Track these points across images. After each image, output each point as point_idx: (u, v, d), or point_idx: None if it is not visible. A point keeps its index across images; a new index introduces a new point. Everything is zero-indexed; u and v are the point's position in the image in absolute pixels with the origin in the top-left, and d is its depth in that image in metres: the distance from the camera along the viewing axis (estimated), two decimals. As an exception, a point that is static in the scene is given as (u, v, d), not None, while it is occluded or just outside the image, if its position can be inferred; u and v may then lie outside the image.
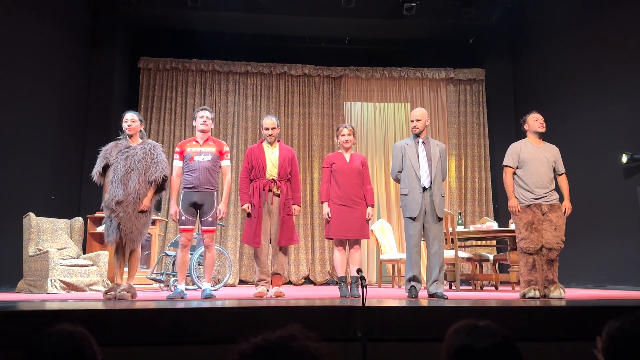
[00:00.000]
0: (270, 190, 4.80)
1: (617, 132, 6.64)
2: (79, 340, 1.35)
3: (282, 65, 9.11)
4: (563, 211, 4.52)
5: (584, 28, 7.33)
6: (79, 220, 6.30)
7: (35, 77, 6.83)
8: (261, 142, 5.01)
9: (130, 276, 4.51)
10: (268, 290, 4.78)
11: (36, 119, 6.86)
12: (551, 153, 4.65)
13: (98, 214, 6.49)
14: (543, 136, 4.73)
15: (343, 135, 5.06)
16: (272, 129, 4.95)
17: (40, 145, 6.98)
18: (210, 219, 4.65)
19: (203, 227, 4.69)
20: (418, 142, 4.83)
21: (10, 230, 6.08)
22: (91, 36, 8.16)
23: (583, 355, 2.09)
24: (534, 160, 4.58)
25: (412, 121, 4.87)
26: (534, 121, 4.69)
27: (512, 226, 6.22)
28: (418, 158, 4.75)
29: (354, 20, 8.60)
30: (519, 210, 4.52)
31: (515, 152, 4.67)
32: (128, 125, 4.60)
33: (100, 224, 6.42)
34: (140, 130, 4.68)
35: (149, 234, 6.74)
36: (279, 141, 5.04)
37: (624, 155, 6.38)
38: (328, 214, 4.90)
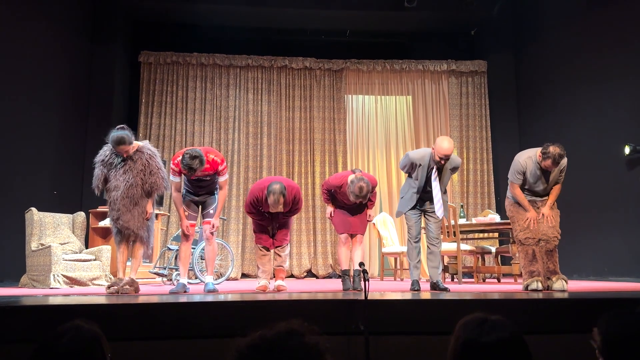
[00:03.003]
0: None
1: (619, 124, 6.61)
2: (91, 339, 1.35)
3: (283, 58, 9.08)
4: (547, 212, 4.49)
5: (586, 19, 7.28)
6: (81, 215, 6.30)
7: (36, 72, 6.82)
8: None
9: (133, 270, 4.52)
10: (270, 284, 4.78)
11: (37, 113, 6.85)
12: (557, 170, 4.51)
13: (100, 209, 6.50)
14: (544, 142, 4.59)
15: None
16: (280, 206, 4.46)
17: (42, 140, 6.98)
18: (211, 212, 4.66)
19: (204, 220, 4.71)
20: (432, 167, 4.65)
21: (13, 226, 6.09)
22: (92, 30, 8.14)
23: (586, 347, 2.09)
24: (538, 179, 4.54)
25: (440, 157, 4.51)
26: (546, 162, 4.37)
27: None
28: (425, 179, 4.69)
29: (355, 12, 8.55)
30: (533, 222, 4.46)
31: (520, 170, 4.52)
32: (123, 157, 4.30)
33: (102, 219, 6.43)
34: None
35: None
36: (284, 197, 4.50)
37: (626, 146, 6.35)
38: (331, 214, 5.00)
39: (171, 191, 4.64)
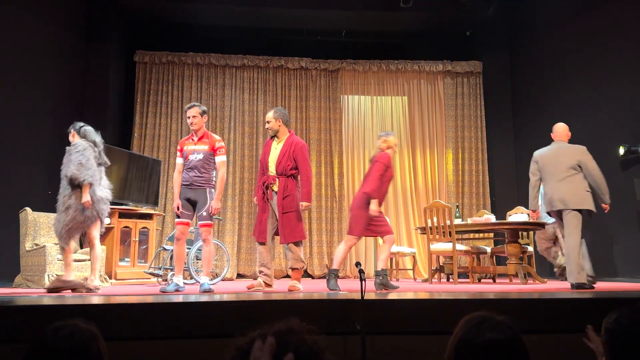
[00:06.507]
0: (268, 187, 4.80)
1: (614, 125, 6.64)
2: (88, 338, 1.34)
3: (279, 58, 9.08)
4: None
5: (581, 20, 7.32)
6: (75, 215, 6.26)
7: (30, 71, 6.79)
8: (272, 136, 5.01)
9: (92, 270, 4.66)
10: (265, 283, 4.78)
11: (32, 113, 6.82)
12: None
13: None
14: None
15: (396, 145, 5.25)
16: (267, 122, 4.93)
17: (36, 139, 6.94)
18: (204, 214, 4.70)
19: (199, 222, 4.74)
20: None
21: (7, 226, 6.06)
22: (86, 30, 8.11)
23: (581, 347, 2.09)
24: None
25: None
26: None
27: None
28: None
29: (350, 12, 8.56)
30: None
31: None
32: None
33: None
34: (76, 130, 4.75)
35: (146, 228, 6.75)
36: (290, 133, 4.93)
37: (621, 147, 6.38)
38: (377, 211, 4.90)
39: (174, 173, 4.96)
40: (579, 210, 4.67)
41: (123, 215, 6.50)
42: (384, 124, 9.27)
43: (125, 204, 6.83)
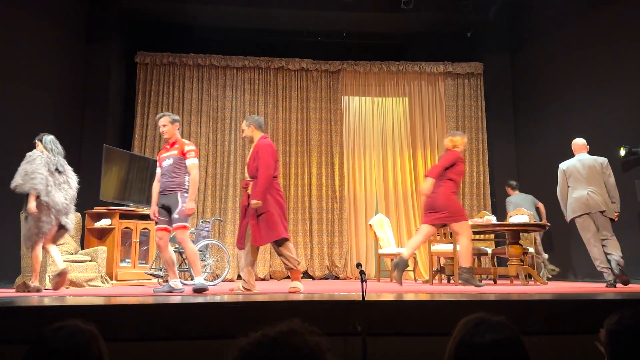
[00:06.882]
0: (245, 190, 4.90)
1: (615, 126, 6.64)
2: (88, 338, 1.34)
3: (280, 59, 9.08)
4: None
5: (582, 21, 7.32)
6: (76, 216, 6.27)
7: (31, 72, 6.80)
8: None
9: (34, 272, 4.85)
10: (244, 288, 4.78)
11: (33, 114, 6.83)
12: None
13: (96, 210, 6.49)
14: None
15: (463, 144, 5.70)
16: (242, 131, 5.06)
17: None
18: (176, 216, 4.73)
19: (173, 225, 4.77)
20: None
21: (8, 227, 6.06)
22: (87, 31, 8.12)
23: (582, 348, 2.09)
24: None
25: None
26: None
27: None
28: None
29: (351, 14, 8.56)
30: None
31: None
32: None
33: (98, 220, 6.41)
34: (39, 139, 4.98)
35: (147, 229, 6.75)
36: (261, 137, 4.93)
37: (622, 148, 6.38)
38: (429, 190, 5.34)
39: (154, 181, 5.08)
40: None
41: (124, 216, 6.50)
42: (384, 125, 9.27)
43: (126, 205, 6.83)
